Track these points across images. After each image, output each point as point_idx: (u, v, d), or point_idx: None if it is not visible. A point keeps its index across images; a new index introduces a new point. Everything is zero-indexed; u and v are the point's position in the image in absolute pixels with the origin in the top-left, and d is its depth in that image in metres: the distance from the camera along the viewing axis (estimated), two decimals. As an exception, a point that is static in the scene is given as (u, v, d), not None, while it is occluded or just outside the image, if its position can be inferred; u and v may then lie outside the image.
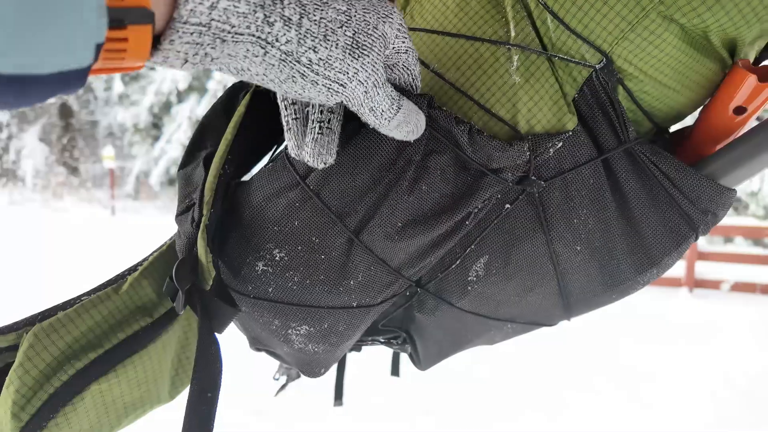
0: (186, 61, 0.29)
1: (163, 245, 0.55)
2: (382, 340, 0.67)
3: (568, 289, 0.52)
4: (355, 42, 0.34)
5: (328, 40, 0.33)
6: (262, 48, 0.31)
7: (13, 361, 0.48)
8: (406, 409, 2.46)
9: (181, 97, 12.97)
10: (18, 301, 3.60)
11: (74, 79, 0.23)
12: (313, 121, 0.40)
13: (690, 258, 4.87)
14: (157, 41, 0.28)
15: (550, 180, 0.45)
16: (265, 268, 0.49)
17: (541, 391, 2.70)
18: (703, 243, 5.76)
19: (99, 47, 0.23)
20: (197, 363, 0.47)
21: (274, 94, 0.44)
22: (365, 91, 0.36)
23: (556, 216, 0.47)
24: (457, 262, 0.51)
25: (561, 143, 0.44)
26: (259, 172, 0.49)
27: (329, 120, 0.40)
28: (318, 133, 0.40)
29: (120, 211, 12.27)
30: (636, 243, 0.49)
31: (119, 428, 0.54)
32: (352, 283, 0.49)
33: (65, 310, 0.49)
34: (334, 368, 0.75)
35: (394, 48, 0.37)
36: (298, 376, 0.76)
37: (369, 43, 0.35)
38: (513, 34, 0.43)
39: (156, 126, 13.80)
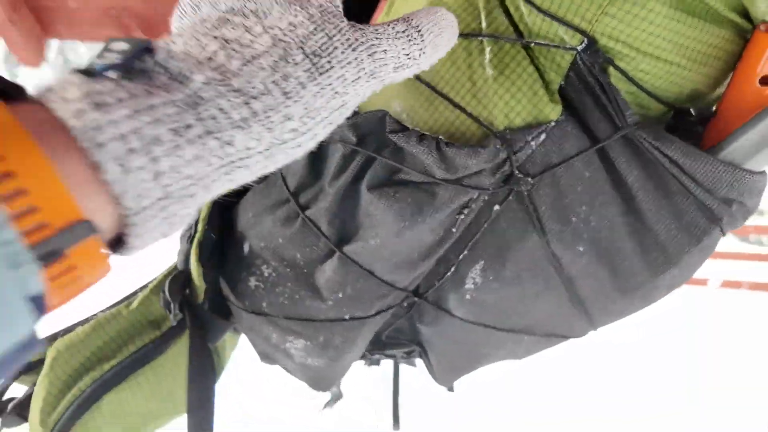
0: (166, 235, 0.23)
1: (173, 264, 0.58)
2: (393, 354, 0.64)
3: (578, 295, 0.47)
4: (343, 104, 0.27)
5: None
6: (238, 166, 0.24)
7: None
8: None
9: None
10: None
11: (27, 347, 0.17)
12: None
13: (678, 255, 4.87)
14: (119, 240, 0.22)
15: (537, 176, 0.41)
16: (257, 283, 0.51)
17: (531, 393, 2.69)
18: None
19: (38, 300, 0.17)
20: (190, 372, 0.49)
21: None
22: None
23: (550, 215, 0.43)
24: (452, 270, 0.47)
25: (544, 135, 0.39)
26: (252, 189, 0.50)
27: None
28: None
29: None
30: (649, 241, 0.43)
31: None
32: (341, 295, 0.48)
33: (83, 326, 0.53)
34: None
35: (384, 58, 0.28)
36: (340, 395, 0.75)
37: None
38: (484, 24, 0.40)
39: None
